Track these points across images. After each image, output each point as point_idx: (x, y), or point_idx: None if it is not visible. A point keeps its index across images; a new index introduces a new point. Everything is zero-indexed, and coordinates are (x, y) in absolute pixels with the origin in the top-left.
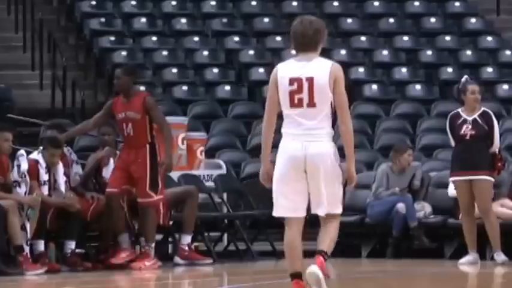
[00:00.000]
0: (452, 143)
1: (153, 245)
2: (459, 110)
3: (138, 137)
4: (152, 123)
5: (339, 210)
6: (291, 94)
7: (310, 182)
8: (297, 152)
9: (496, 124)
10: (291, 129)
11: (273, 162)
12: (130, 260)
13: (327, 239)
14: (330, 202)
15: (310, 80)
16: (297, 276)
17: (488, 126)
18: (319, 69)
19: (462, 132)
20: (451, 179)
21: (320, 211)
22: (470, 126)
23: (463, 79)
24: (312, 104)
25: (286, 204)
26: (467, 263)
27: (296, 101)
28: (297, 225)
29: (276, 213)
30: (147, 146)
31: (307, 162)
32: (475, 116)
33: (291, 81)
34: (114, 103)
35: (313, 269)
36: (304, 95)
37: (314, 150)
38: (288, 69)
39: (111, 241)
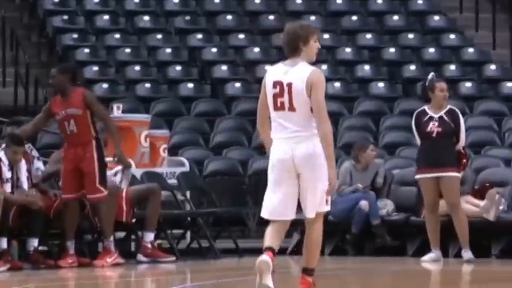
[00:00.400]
0: (418, 141)
1: (112, 239)
2: (425, 107)
3: (82, 133)
4: (94, 118)
5: (325, 208)
6: (274, 97)
7: (301, 183)
8: (285, 155)
9: (462, 122)
10: (277, 134)
11: None
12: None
13: (310, 250)
14: (316, 203)
15: (289, 85)
16: (267, 249)
17: (455, 123)
18: (298, 75)
19: (428, 129)
20: (417, 176)
21: (308, 213)
22: (436, 124)
23: (430, 76)
24: (292, 108)
25: (276, 207)
26: (430, 261)
27: (279, 104)
28: (283, 225)
29: (263, 214)
30: (93, 141)
31: (295, 165)
32: (442, 113)
33: (274, 84)
34: (52, 103)
35: None
36: (285, 99)
37: (300, 151)
38: (273, 72)
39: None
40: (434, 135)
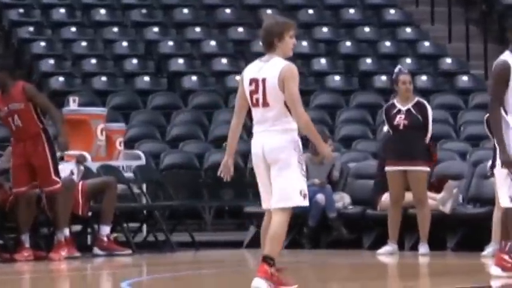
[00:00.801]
0: (385, 129)
1: (66, 232)
2: (394, 100)
3: (28, 126)
4: (37, 110)
5: (290, 203)
6: (251, 94)
7: (271, 175)
8: (257, 149)
9: (430, 114)
10: (255, 128)
11: None
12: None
13: (269, 240)
14: (280, 196)
15: (263, 81)
16: (262, 259)
17: (423, 116)
18: (272, 70)
19: (395, 122)
20: (386, 168)
21: (272, 204)
22: (403, 116)
23: (396, 69)
24: (265, 103)
25: (262, 198)
26: (386, 253)
27: (254, 101)
28: (268, 215)
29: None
30: (42, 133)
31: (265, 158)
32: (409, 106)
33: (250, 81)
34: None
35: (255, 283)
36: (260, 95)
37: (268, 146)
38: (250, 70)
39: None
40: (401, 127)
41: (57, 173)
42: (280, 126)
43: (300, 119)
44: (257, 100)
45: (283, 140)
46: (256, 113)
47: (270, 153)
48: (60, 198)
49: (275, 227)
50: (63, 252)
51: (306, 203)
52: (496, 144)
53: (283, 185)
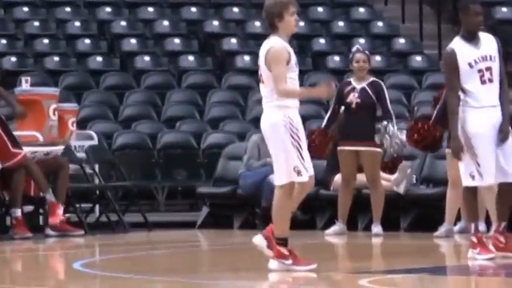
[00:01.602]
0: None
1: (19, 212)
2: (351, 78)
3: None
4: None
5: (284, 180)
6: (258, 71)
7: None
8: (260, 124)
9: (386, 94)
10: None
11: None
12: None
13: (273, 220)
14: (276, 174)
15: (259, 59)
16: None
17: (377, 96)
18: (263, 50)
19: (348, 100)
20: (338, 148)
21: (274, 180)
22: (357, 95)
23: (354, 48)
24: (262, 80)
25: None
26: (334, 234)
27: (259, 77)
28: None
29: None
30: None
31: (263, 133)
32: (364, 84)
33: (258, 59)
34: None
35: (269, 264)
36: (260, 72)
37: (262, 123)
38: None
39: None
40: (353, 105)
41: (15, 144)
42: (273, 103)
43: (283, 95)
44: (259, 76)
45: (275, 117)
46: (260, 88)
47: (264, 130)
48: (33, 166)
49: (275, 205)
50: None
51: (301, 178)
52: (459, 128)
53: (277, 163)
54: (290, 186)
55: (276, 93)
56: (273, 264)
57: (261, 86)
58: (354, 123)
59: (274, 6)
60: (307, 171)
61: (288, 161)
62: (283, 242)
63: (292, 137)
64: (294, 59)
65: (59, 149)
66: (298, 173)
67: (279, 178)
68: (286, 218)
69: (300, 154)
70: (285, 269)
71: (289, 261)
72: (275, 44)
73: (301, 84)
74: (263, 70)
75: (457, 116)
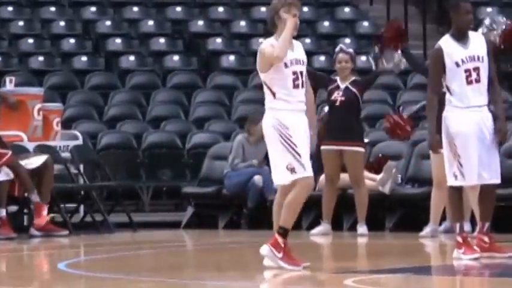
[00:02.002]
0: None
1: (3, 212)
2: (337, 77)
3: None
4: None
5: (282, 180)
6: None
7: None
8: None
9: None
10: None
11: None
12: None
13: (283, 210)
14: (274, 174)
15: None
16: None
17: (360, 92)
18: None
19: (333, 97)
20: (322, 147)
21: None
22: (341, 93)
23: (337, 48)
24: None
25: None
26: (319, 234)
27: None
28: (278, 191)
29: None
30: None
31: None
32: (347, 83)
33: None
34: None
35: (261, 249)
36: None
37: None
38: None
39: None
40: (337, 103)
41: (2, 145)
42: (266, 105)
43: (279, 53)
44: None
45: (266, 119)
46: None
47: (264, 130)
48: (19, 166)
49: (291, 200)
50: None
51: (296, 175)
52: (443, 126)
53: (272, 163)
54: (307, 177)
55: (278, 61)
56: (264, 249)
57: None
58: (338, 122)
59: (277, 4)
60: (304, 168)
61: (281, 160)
62: (284, 232)
63: (282, 137)
64: (288, 59)
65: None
66: (292, 170)
67: (276, 178)
68: (296, 212)
69: (294, 151)
70: (276, 266)
71: (280, 255)
72: (263, 45)
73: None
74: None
75: (434, 111)
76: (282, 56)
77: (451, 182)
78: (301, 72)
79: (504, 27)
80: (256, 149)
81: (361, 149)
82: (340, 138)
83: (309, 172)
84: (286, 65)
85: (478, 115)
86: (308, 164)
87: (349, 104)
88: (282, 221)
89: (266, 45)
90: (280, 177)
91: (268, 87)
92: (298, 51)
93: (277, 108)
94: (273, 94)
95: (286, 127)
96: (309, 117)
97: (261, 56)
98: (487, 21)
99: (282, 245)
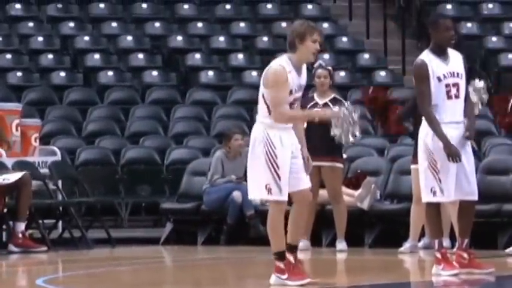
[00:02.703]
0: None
1: None
2: (314, 94)
3: None
4: None
5: (253, 195)
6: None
7: None
8: None
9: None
10: None
11: None
12: None
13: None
14: (252, 187)
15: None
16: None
17: None
18: (267, 67)
19: None
20: None
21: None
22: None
23: (316, 64)
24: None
25: None
26: (298, 250)
27: None
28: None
29: None
30: None
31: None
32: (327, 100)
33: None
34: None
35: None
36: None
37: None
38: None
39: None
40: (316, 119)
41: None
42: (258, 119)
43: (281, 120)
44: None
45: (256, 132)
46: None
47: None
48: None
49: (267, 222)
50: None
51: (272, 197)
52: (421, 141)
53: (250, 177)
54: (281, 202)
55: (274, 118)
56: (272, 279)
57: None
58: (316, 139)
59: (300, 26)
60: (280, 191)
61: (261, 177)
62: (279, 256)
63: (268, 155)
64: (291, 85)
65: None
66: (269, 191)
67: (251, 192)
68: (278, 233)
69: (276, 173)
70: (281, 284)
71: (285, 276)
72: (274, 65)
73: None
74: (261, 85)
75: (437, 123)
76: (284, 121)
77: (429, 198)
78: (299, 98)
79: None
80: (235, 165)
81: (340, 165)
82: (318, 154)
83: (284, 197)
84: (291, 92)
85: (456, 131)
86: (286, 188)
87: (328, 120)
88: (272, 247)
89: (278, 67)
90: (256, 193)
91: (266, 103)
92: (303, 76)
93: (269, 124)
94: (269, 111)
95: (274, 146)
96: (299, 136)
97: (271, 75)
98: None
99: (284, 267)
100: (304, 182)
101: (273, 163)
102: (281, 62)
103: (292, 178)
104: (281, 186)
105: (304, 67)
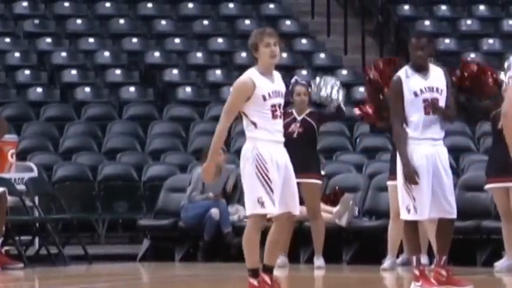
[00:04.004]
0: None
1: None
2: (293, 109)
3: None
4: None
5: (249, 211)
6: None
7: None
8: None
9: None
10: None
11: None
12: None
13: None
14: (247, 203)
15: None
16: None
17: (317, 126)
18: None
19: (290, 129)
20: None
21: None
22: (298, 124)
23: (293, 80)
24: None
25: None
26: (276, 267)
27: None
28: None
29: None
30: None
31: None
32: (304, 115)
33: None
34: None
35: None
36: None
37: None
38: None
39: None
40: (295, 135)
41: None
42: (248, 134)
43: (217, 128)
44: None
45: (245, 148)
46: None
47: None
48: None
49: (243, 237)
50: None
51: (265, 210)
52: (399, 158)
53: (245, 194)
54: (258, 219)
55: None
56: None
57: None
58: (295, 155)
59: (251, 38)
60: (273, 204)
61: (253, 192)
62: (253, 273)
63: (258, 169)
64: (263, 91)
65: None
66: (262, 204)
67: (248, 208)
68: (253, 250)
69: (268, 186)
70: None
71: None
72: (240, 78)
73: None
74: None
75: (405, 142)
76: (217, 128)
77: (405, 216)
78: (280, 105)
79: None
80: (214, 182)
81: (319, 181)
82: (297, 170)
83: (277, 209)
84: (264, 98)
85: (433, 148)
86: (277, 201)
87: (307, 135)
88: (246, 263)
89: (243, 77)
90: (249, 208)
91: (248, 118)
92: (277, 82)
93: (258, 138)
94: (254, 124)
95: (265, 161)
96: None
97: (235, 83)
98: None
99: (257, 284)
100: (294, 207)
101: (264, 177)
102: (248, 73)
103: (282, 197)
104: (273, 199)
105: (275, 74)
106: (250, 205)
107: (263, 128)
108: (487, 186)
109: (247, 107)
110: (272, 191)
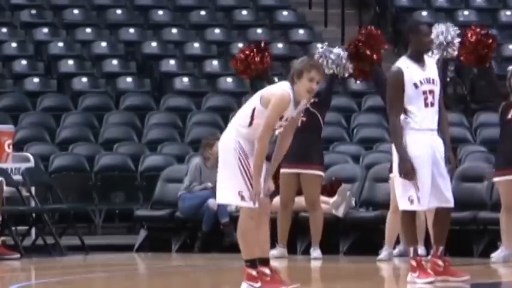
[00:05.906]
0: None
1: None
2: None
3: None
4: None
5: (224, 200)
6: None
7: None
8: None
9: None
10: None
11: None
12: None
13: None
14: (223, 192)
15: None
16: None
17: (321, 115)
18: (273, 86)
19: None
20: (281, 170)
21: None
22: (302, 114)
23: None
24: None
25: None
26: (273, 257)
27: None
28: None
29: None
30: None
31: None
32: (308, 105)
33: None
34: None
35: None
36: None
37: (220, 139)
38: None
39: None
40: (299, 124)
41: None
42: (235, 126)
43: (259, 141)
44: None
45: (230, 138)
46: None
47: (219, 147)
48: None
49: (238, 228)
50: None
51: (245, 204)
52: (395, 151)
53: (220, 182)
54: (252, 209)
55: (257, 137)
56: (243, 286)
57: (243, 106)
58: (297, 145)
59: (299, 63)
60: (252, 200)
61: (234, 184)
62: (251, 263)
63: (241, 162)
64: (288, 114)
65: None
66: (242, 198)
67: (220, 197)
68: (250, 240)
69: (249, 181)
70: None
71: (258, 284)
72: (285, 91)
73: (240, 106)
74: (255, 97)
75: (401, 135)
76: (259, 143)
77: (406, 206)
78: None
79: (457, 39)
80: (213, 172)
81: (320, 173)
82: (298, 161)
83: (256, 205)
84: (281, 119)
85: (431, 138)
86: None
87: (311, 125)
88: (242, 254)
89: (286, 93)
90: (226, 197)
91: (252, 116)
92: (299, 109)
93: (244, 134)
94: (251, 122)
95: (247, 156)
96: (273, 164)
97: (277, 99)
98: (441, 35)
99: (256, 275)
100: (257, 203)
101: (246, 171)
102: (287, 89)
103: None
104: (253, 194)
105: (302, 103)
106: (229, 195)
107: (255, 128)
108: (496, 179)
109: (263, 112)
110: (252, 187)
